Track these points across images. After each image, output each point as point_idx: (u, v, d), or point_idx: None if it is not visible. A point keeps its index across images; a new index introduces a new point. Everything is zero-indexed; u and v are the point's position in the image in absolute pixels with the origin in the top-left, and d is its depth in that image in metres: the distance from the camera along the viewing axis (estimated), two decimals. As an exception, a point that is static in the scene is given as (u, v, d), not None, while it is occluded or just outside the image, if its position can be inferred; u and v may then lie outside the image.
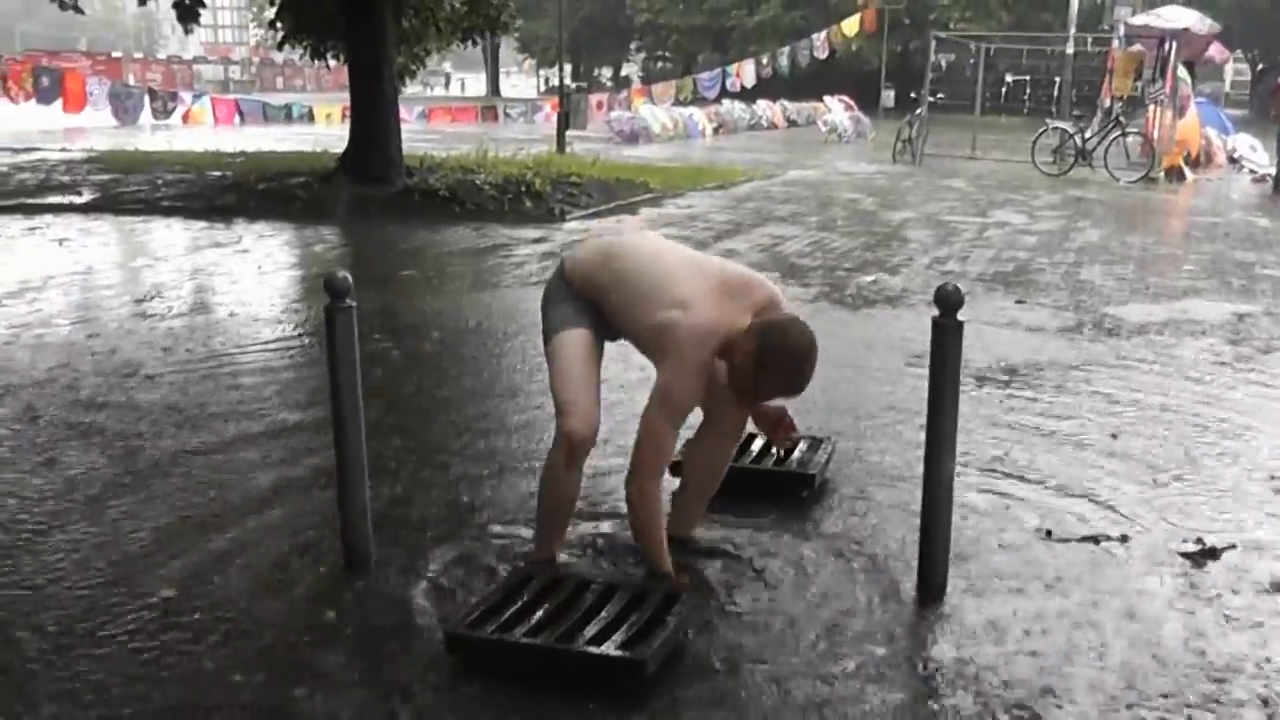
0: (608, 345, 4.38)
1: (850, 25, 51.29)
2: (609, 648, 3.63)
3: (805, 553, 4.69)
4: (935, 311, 4.10)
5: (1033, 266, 11.85)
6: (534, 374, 7.10)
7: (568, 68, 48.91)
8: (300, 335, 8.47)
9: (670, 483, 4.64)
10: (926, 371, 4.22)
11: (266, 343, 8.26)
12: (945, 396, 4.14)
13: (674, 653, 3.77)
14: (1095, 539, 4.85)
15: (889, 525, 4.98)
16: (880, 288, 10.54)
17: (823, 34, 51.36)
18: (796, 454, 5.54)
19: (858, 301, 9.90)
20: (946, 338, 4.11)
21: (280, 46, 22.79)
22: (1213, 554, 4.71)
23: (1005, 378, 7.41)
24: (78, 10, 19.52)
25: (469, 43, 22.43)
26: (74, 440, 6.03)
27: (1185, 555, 4.70)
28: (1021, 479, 5.58)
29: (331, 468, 4.58)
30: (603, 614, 3.83)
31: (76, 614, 4.11)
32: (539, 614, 3.84)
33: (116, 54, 75.02)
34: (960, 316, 4.12)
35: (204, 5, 19.15)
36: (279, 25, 20.81)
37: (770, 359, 3.94)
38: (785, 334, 3.98)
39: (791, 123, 43.50)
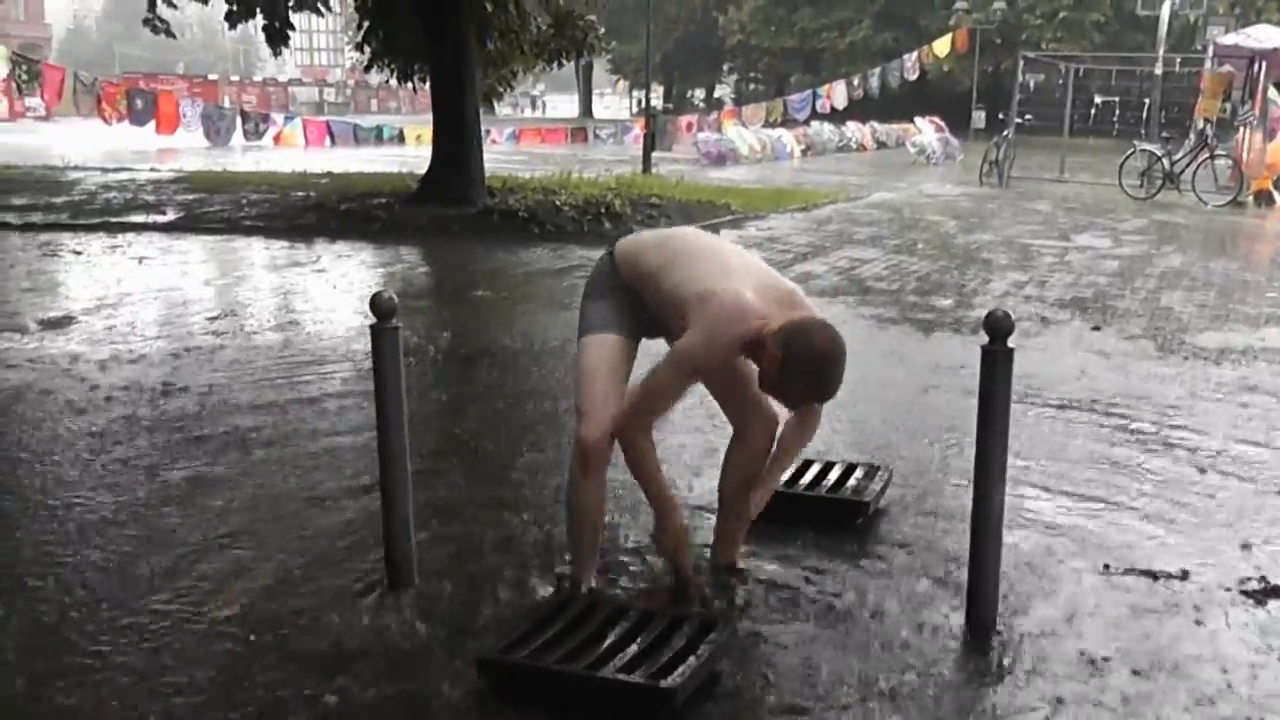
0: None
1: (941, 46, 50.89)
2: (640, 676, 3.58)
3: (851, 583, 4.60)
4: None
5: (1112, 292, 11.64)
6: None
7: (656, 89, 48.93)
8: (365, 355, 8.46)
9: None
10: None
11: (323, 363, 8.31)
12: (995, 426, 4.04)
13: (706, 683, 3.70)
14: (1154, 574, 4.70)
15: (941, 557, 4.86)
16: (954, 312, 10.39)
17: (914, 55, 51.02)
18: (852, 481, 5.44)
19: (931, 326, 9.75)
20: (996, 365, 4.02)
21: (368, 69, 23.03)
22: (1275, 593, 4.56)
23: (1071, 405, 7.25)
24: (169, 34, 19.85)
25: (556, 64, 22.54)
26: (133, 455, 6.09)
27: (1247, 594, 4.56)
28: (1081, 510, 5.44)
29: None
30: (636, 641, 3.78)
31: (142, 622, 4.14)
32: (573, 640, 3.80)
33: (213, 76, 76.31)
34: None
35: (293, 28, 19.39)
36: (365, 48, 21.01)
37: (796, 364, 3.83)
38: (811, 338, 3.86)
39: (881, 144, 43.22)
